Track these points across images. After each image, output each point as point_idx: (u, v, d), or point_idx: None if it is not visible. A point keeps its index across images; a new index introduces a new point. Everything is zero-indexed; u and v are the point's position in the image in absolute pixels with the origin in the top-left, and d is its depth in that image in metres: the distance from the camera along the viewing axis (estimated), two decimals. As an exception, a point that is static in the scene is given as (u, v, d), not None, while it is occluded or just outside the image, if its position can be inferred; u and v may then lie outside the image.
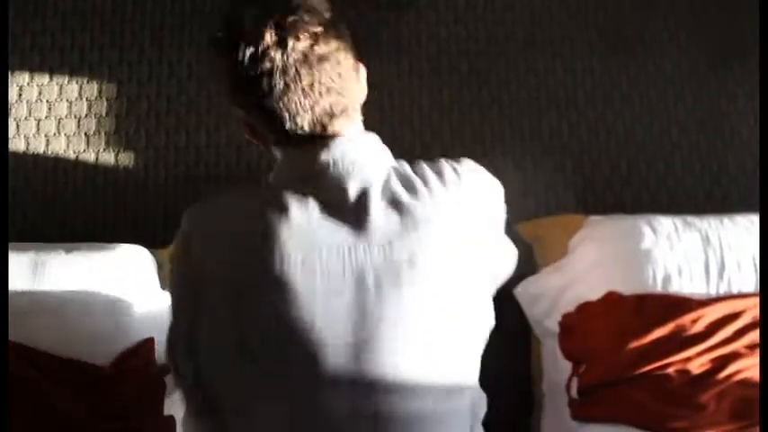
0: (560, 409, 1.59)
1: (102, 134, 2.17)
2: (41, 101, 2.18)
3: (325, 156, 1.00)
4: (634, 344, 1.54)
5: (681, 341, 1.55)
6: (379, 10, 2.27)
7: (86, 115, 2.18)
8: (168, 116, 2.19)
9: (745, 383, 1.53)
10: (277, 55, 0.95)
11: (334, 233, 0.98)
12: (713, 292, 1.63)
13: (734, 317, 1.58)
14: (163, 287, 1.66)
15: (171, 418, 1.50)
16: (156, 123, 2.18)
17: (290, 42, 0.95)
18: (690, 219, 1.72)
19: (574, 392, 1.57)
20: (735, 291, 1.63)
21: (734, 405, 1.51)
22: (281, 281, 0.96)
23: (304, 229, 0.97)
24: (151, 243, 1.79)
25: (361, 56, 1.05)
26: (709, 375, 1.54)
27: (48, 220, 2.10)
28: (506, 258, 1.20)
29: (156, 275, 1.67)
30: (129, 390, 1.45)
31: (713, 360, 1.55)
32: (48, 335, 1.45)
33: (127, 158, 2.15)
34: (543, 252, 1.87)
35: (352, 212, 0.98)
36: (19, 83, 2.20)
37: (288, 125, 0.99)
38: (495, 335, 1.11)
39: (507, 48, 2.31)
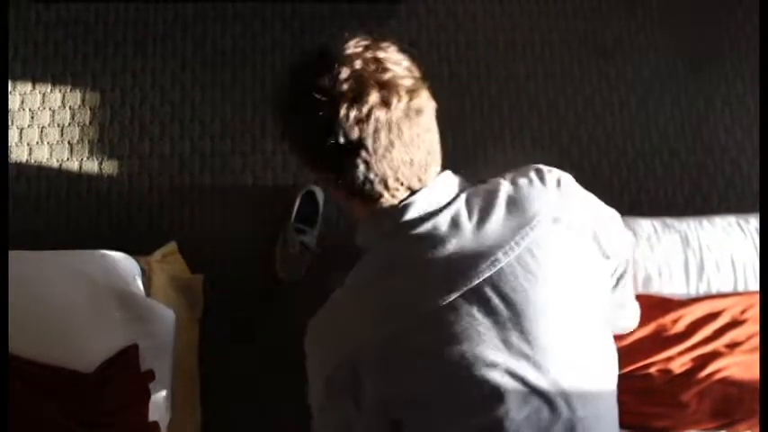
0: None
1: (86, 143, 2.17)
2: (24, 109, 2.18)
3: (416, 208, 0.99)
4: (616, 344, 1.56)
5: (662, 341, 1.57)
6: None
7: (69, 124, 2.18)
8: (152, 125, 2.19)
9: (725, 382, 1.55)
10: (381, 114, 0.92)
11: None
12: (693, 293, 1.65)
13: (713, 316, 1.60)
14: (147, 294, 1.66)
15: (155, 425, 1.49)
16: (140, 132, 2.18)
17: (393, 100, 0.93)
18: (669, 221, 1.74)
19: (557, 393, 1.58)
20: (714, 291, 1.65)
21: (714, 403, 1.53)
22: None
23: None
24: (135, 251, 1.79)
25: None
26: (690, 374, 1.56)
27: (31, 228, 2.09)
28: None
29: (139, 282, 1.67)
30: (114, 396, 1.45)
31: (694, 359, 1.57)
32: (30, 342, 1.44)
33: (111, 167, 2.15)
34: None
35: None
36: (1, 92, 2.20)
37: (390, 182, 0.97)
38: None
39: (488, 54, 2.33)
